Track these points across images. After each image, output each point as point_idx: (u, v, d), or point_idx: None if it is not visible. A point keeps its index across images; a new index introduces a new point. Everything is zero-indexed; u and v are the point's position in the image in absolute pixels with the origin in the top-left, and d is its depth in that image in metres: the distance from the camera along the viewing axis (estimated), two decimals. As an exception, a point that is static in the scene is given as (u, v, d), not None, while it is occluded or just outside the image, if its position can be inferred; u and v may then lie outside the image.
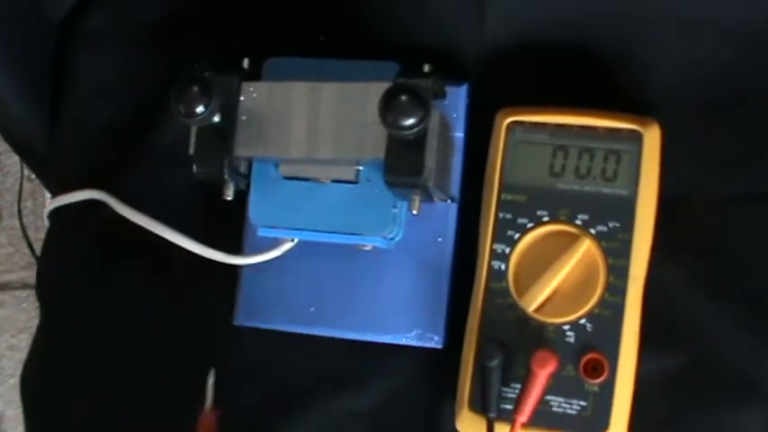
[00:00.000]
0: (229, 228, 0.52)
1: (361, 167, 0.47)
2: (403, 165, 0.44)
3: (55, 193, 0.58)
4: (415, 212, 0.46)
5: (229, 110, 0.46)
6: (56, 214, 0.58)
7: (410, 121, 0.41)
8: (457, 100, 0.50)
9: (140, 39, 0.58)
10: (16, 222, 0.73)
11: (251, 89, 0.46)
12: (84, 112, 0.59)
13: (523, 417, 0.46)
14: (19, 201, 0.75)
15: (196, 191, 0.50)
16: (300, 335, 0.51)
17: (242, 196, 0.49)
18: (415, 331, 0.50)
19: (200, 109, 0.43)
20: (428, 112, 0.41)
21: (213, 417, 0.49)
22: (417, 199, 0.45)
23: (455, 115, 0.50)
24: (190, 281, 0.54)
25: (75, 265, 0.58)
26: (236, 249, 0.52)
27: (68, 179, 0.58)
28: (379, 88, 0.42)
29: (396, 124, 0.41)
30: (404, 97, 0.41)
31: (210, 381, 0.49)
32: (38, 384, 0.56)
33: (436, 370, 0.50)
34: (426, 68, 0.45)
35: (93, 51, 0.58)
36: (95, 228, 0.56)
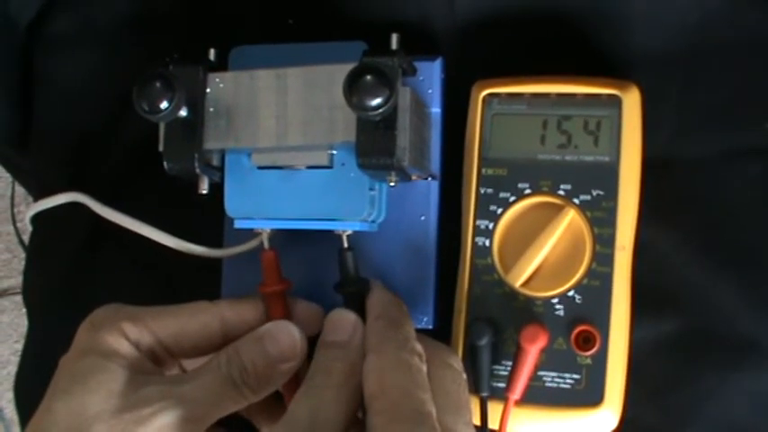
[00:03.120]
0: (213, 219, 0.51)
1: (334, 151, 0.46)
2: (374, 146, 0.42)
3: (36, 198, 0.58)
4: (392, 185, 0.45)
5: (196, 102, 0.45)
6: (38, 219, 0.57)
7: (376, 102, 0.40)
8: (431, 75, 0.49)
9: (109, 37, 0.57)
10: (11, 228, 0.73)
11: (217, 80, 0.45)
12: (57, 114, 0.58)
13: (516, 394, 0.45)
14: (12, 206, 0.75)
15: (175, 185, 0.50)
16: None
17: (219, 188, 0.48)
18: (403, 313, 0.49)
19: (163, 104, 0.42)
20: (394, 91, 0.40)
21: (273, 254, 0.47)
22: (394, 177, 0.44)
23: (430, 90, 0.49)
24: (176, 276, 0.53)
25: (59, 268, 0.57)
26: (220, 239, 0.52)
27: (47, 183, 0.57)
28: (345, 70, 0.41)
29: (361, 106, 0.40)
30: (368, 77, 0.40)
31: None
32: (30, 392, 0.56)
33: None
34: (394, 44, 0.44)
35: (61, 53, 0.57)
36: (78, 230, 0.56)
